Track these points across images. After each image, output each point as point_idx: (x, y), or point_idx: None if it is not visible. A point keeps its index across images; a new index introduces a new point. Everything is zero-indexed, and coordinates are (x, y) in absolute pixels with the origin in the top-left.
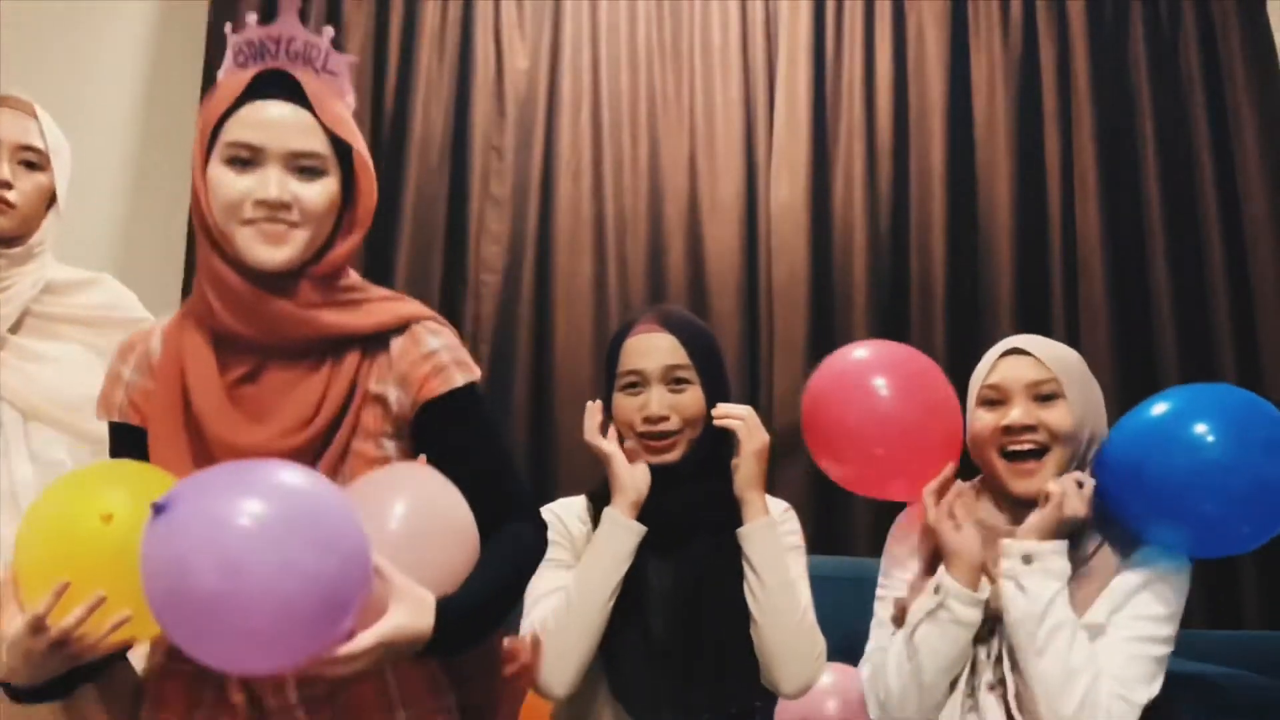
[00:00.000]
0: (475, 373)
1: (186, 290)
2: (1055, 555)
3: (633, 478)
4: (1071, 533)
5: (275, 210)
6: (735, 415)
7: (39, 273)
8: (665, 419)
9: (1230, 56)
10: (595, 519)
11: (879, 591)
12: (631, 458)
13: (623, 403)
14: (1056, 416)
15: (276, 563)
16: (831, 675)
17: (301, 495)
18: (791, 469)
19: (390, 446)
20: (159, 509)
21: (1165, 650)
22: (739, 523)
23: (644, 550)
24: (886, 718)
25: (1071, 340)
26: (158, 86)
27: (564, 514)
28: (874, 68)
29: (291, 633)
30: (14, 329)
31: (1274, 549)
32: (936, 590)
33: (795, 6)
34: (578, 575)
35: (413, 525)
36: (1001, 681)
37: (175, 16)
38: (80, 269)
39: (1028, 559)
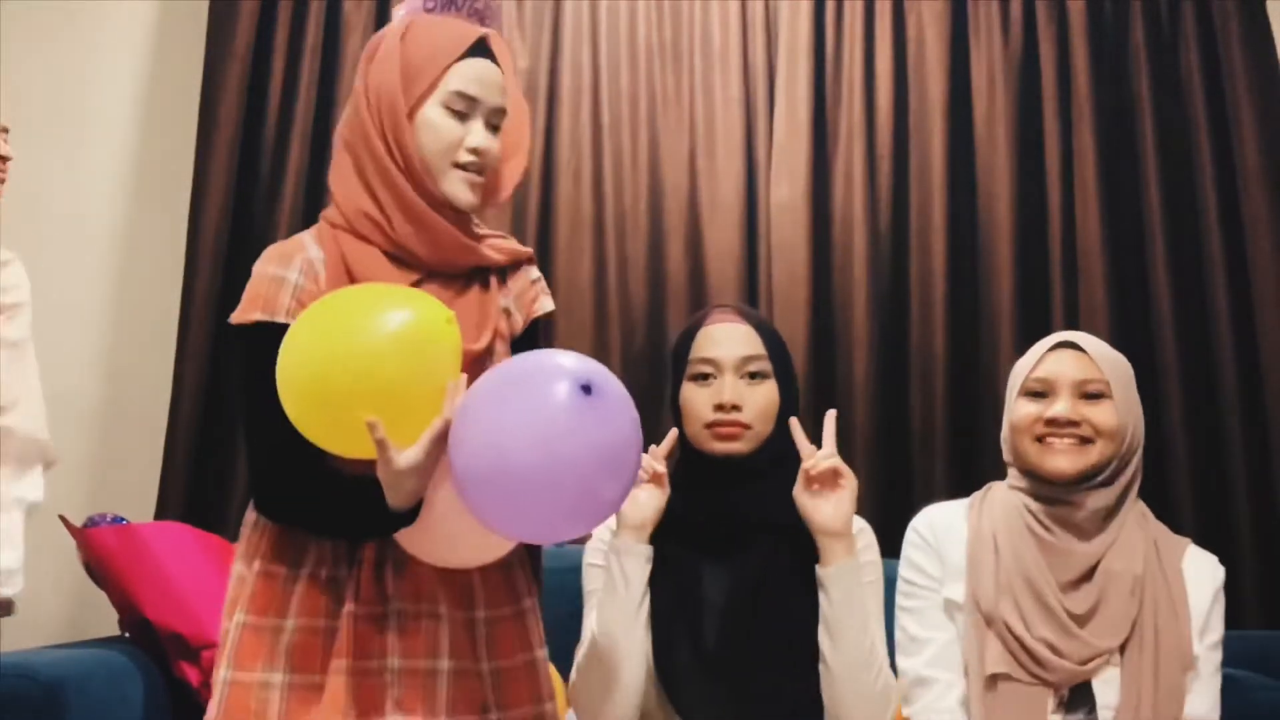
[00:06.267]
0: (553, 302)
1: (188, 288)
2: None
3: (635, 504)
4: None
5: (481, 157)
6: (831, 462)
7: None
8: (737, 409)
9: (1230, 56)
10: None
11: (903, 602)
12: (657, 482)
13: (693, 393)
14: (1102, 415)
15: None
16: None
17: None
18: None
19: (510, 352)
20: (587, 389)
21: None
22: (802, 523)
23: (699, 556)
24: None
25: None
26: (158, 86)
27: (608, 534)
28: (874, 68)
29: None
30: None
31: (1274, 549)
32: None
33: (795, 6)
34: (598, 613)
35: None
36: None
37: (175, 16)
38: None
39: None
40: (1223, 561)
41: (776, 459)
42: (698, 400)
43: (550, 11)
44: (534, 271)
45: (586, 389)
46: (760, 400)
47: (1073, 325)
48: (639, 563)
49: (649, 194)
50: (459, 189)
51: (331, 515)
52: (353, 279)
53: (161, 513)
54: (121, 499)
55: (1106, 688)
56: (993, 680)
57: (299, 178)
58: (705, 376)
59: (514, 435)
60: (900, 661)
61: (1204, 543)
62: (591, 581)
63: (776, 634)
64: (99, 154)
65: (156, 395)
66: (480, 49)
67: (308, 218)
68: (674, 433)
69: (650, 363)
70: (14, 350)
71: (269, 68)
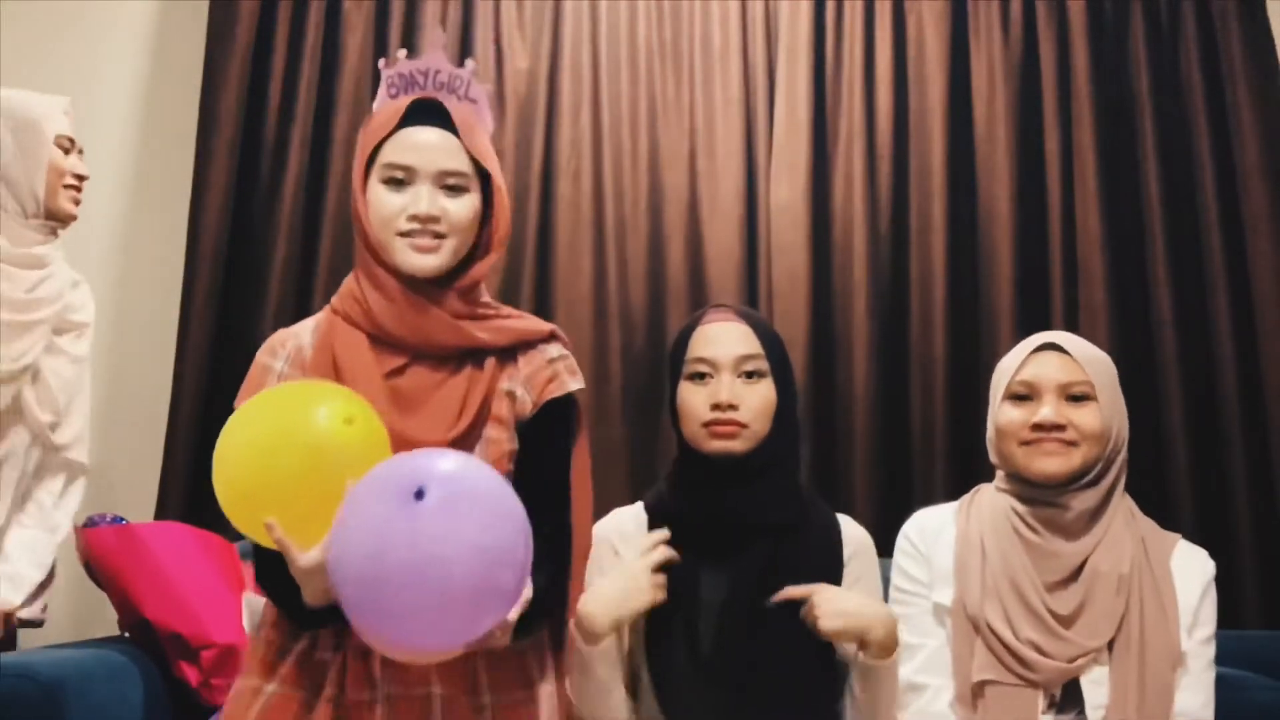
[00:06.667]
0: (582, 382)
1: (187, 290)
2: None
3: (620, 602)
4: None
5: (426, 223)
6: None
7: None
8: (734, 408)
9: (1230, 56)
10: (652, 528)
11: (894, 609)
12: (656, 589)
13: (690, 392)
14: (1087, 417)
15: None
16: None
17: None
18: None
19: (515, 439)
20: (420, 494)
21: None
22: (801, 525)
23: (696, 558)
24: None
25: None
26: (158, 87)
27: (614, 536)
28: (874, 68)
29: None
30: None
31: (1274, 549)
32: None
33: (795, 6)
34: (574, 692)
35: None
36: None
37: (175, 16)
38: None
39: None
40: (1223, 561)
41: (773, 458)
42: (695, 399)
43: (550, 12)
44: (553, 350)
45: (419, 494)
46: (757, 400)
47: (1072, 325)
48: (600, 657)
49: (649, 195)
50: (405, 257)
51: (281, 601)
52: (337, 364)
53: (161, 513)
54: (121, 499)
55: (1096, 687)
56: (980, 685)
57: (299, 178)
58: (702, 376)
59: (356, 544)
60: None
61: (1204, 543)
62: None
63: (774, 636)
64: (99, 154)
65: (156, 395)
66: (423, 117)
67: (307, 218)
68: (662, 535)
69: (650, 363)
70: (79, 367)
71: (269, 68)
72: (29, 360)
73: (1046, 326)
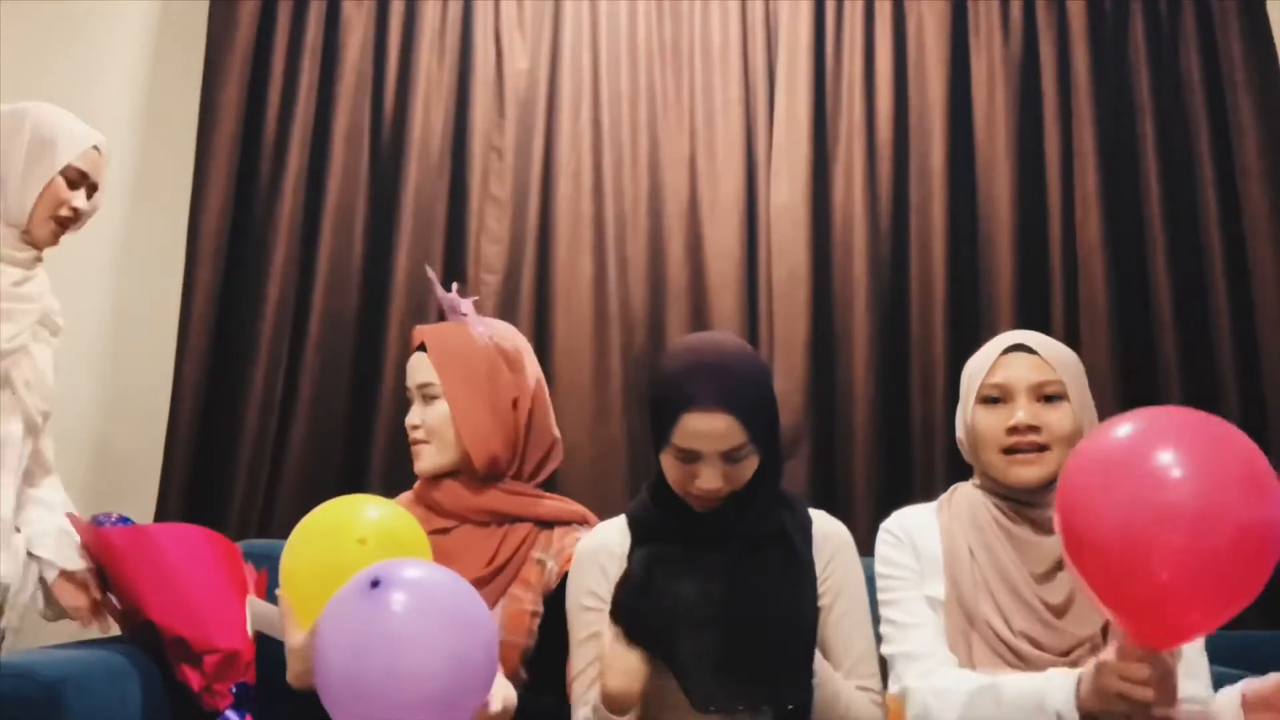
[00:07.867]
0: None
1: (187, 290)
2: None
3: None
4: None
5: (413, 431)
6: None
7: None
8: (718, 489)
9: (1230, 56)
10: (636, 541)
11: (884, 596)
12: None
13: (674, 466)
14: (1059, 418)
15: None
16: None
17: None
18: (792, 463)
19: (540, 603)
20: (375, 584)
21: None
22: (784, 531)
23: (690, 567)
24: None
25: (1071, 340)
26: (158, 87)
27: (601, 555)
28: (874, 68)
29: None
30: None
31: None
32: None
33: (795, 6)
34: None
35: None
36: None
37: (175, 17)
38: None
39: None
40: None
41: (755, 493)
42: (680, 474)
43: (550, 12)
44: (583, 532)
45: (374, 583)
46: (742, 474)
47: (1073, 325)
48: None
49: (649, 194)
50: (414, 460)
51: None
52: None
53: (162, 513)
54: (121, 499)
55: None
56: None
57: (299, 178)
58: (688, 459)
59: (325, 642)
60: (885, 649)
61: None
62: (582, 627)
63: (756, 641)
64: None
65: (156, 395)
66: (420, 346)
67: (307, 218)
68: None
69: (650, 362)
70: (53, 369)
71: (269, 68)
72: (22, 341)
73: (1047, 326)
